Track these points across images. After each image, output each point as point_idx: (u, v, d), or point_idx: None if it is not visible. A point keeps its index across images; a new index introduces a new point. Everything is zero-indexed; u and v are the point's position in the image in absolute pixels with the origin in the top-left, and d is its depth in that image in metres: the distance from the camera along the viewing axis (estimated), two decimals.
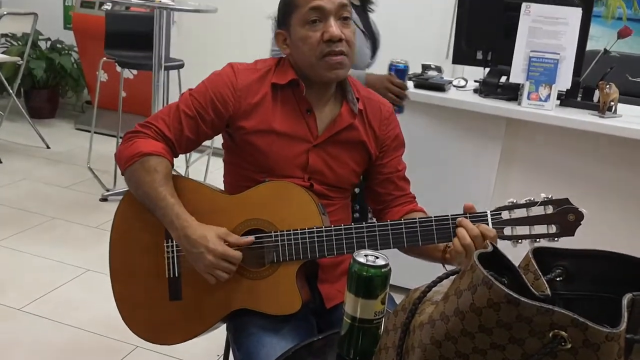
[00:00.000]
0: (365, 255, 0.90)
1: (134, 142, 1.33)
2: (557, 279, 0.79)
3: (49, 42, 4.99)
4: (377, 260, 0.90)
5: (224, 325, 1.40)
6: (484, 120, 2.33)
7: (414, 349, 0.71)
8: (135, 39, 3.93)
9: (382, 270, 0.89)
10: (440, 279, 0.73)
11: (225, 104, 1.35)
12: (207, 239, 1.24)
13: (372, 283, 0.88)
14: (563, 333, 0.57)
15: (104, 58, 3.80)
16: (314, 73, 1.35)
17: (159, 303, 1.34)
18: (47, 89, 4.98)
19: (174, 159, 1.38)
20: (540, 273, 0.75)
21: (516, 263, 0.75)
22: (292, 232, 1.27)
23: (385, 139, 1.46)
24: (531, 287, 0.71)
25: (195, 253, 1.25)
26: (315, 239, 1.26)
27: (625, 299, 0.61)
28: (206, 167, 3.88)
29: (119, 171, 3.65)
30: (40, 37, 4.94)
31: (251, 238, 1.28)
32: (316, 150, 1.38)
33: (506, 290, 0.59)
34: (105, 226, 3.12)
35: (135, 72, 4.56)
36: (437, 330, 0.66)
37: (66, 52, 4.95)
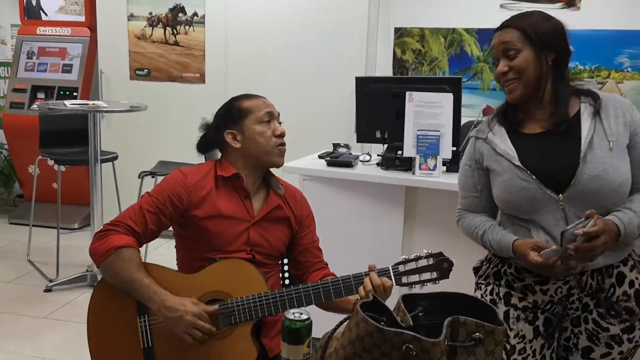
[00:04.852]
0: (293, 313, 1.26)
1: (108, 239, 1.65)
2: (420, 314, 1.19)
3: None
4: (301, 315, 1.26)
5: None
6: (386, 189, 2.78)
7: None
8: (68, 136, 4.18)
9: (306, 322, 1.24)
10: (340, 323, 1.11)
11: (180, 200, 1.72)
12: (183, 304, 1.59)
13: (299, 332, 1.24)
14: (410, 346, 0.96)
15: (40, 156, 4.04)
16: (267, 158, 1.78)
17: None
18: None
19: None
20: (406, 311, 1.15)
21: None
22: (245, 298, 1.62)
23: (301, 216, 1.88)
24: (399, 321, 1.10)
25: (175, 317, 1.58)
26: (264, 302, 1.62)
27: (446, 321, 1.00)
28: (145, 249, 4.13)
29: (61, 262, 3.90)
30: None
31: (216, 306, 1.63)
32: (254, 227, 1.77)
33: (375, 323, 0.97)
34: (54, 315, 3.31)
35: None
36: (339, 356, 1.03)
37: None
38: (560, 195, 1.58)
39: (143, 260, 1.67)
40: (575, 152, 1.58)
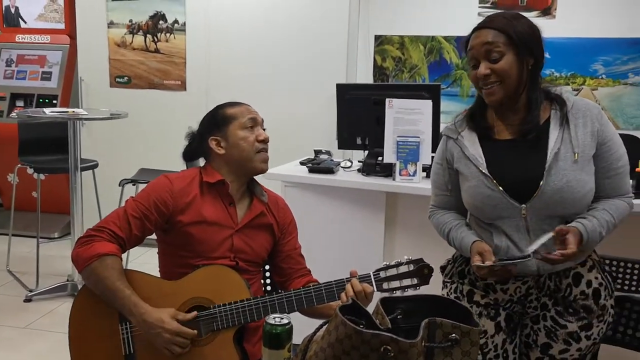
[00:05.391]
0: (274, 318, 1.27)
1: (91, 245, 1.65)
2: (398, 317, 1.21)
3: None
4: (282, 320, 1.27)
5: None
6: (367, 195, 2.80)
7: None
8: (48, 144, 4.15)
9: (286, 327, 1.26)
10: (320, 327, 1.12)
11: (166, 205, 1.73)
12: (162, 320, 1.58)
13: (280, 337, 1.25)
14: (388, 347, 0.98)
15: (19, 165, 4.01)
16: (250, 165, 1.79)
17: None
18: None
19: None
20: (385, 314, 1.17)
21: None
22: (227, 305, 1.63)
23: (284, 223, 1.89)
24: (378, 324, 1.12)
25: (153, 334, 1.59)
26: (246, 308, 1.63)
27: (423, 322, 1.03)
28: (127, 258, 4.11)
29: (41, 271, 3.86)
30: None
31: (194, 313, 1.63)
32: (238, 234, 1.78)
33: (353, 326, 0.99)
34: (34, 325, 3.28)
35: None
36: (319, 359, 1.05)
37: None
38: (524, 205, 1.60)
39: (125, 267, 1.67)
40: (540, 163, 1.59)
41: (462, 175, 1.72)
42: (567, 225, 1.57)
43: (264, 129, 1.85)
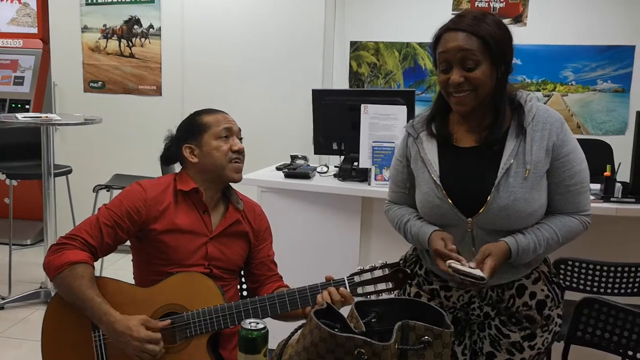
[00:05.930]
0: (250, 323, 1.28)
1: (62, 253, 1.64)
2: (372, 320, 1.22)
3: None
4: (258, 325, 1.28)
5: None
6: (343, 199, 2.83)
7: None
8: (20, 149, 4.10)
9: (262, 332, 1.26)
10: (295, 331, 1.13)
11: (138, 213, 1.72)
12: (131, 329, 1.57)
13: (255, 342, 1.25)
14: (362, 350, 0.99)
15: None
16: (223, 174, 1.78)
17: None
18: None
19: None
20: (359, 318, 1.19)
21: None
22: (201, 311, 1.63)
23: (259, 230, 1.90)
24: (353, 328, 1.14)
25: (123, 342, 1.58)
26: (220, 315, 1.63)
27: (396, 325, 1.05)
28: (101, 264, 4.07)
29: (14, 279, 3.80)
30: None
31: (168, 321, 1.63)
32: (212, 242, 1.78)
33: (328, 329, 1.01)
34: (7, 334, 3.22)
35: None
36: None
37: None
38: (470, 219, 1.57)
39: (99, 275, 1.66)
40: (492, 178, 1.55)
41: (417, 178, 1.68)
42: (500, 239, 1.54)
43: (240, 138, 1.85)
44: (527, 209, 1.54)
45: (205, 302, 1.65)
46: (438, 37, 1.58)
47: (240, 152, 1.81)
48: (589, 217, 1.63)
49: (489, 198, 1.54)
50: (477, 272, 1.48)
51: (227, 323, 1.64)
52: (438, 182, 1.60)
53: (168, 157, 1.90)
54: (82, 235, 1.68)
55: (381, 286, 1.62)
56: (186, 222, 1.76)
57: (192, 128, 1.82)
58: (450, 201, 1.58)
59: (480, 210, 1.55)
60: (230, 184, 1.87)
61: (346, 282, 1.64)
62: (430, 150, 1.65)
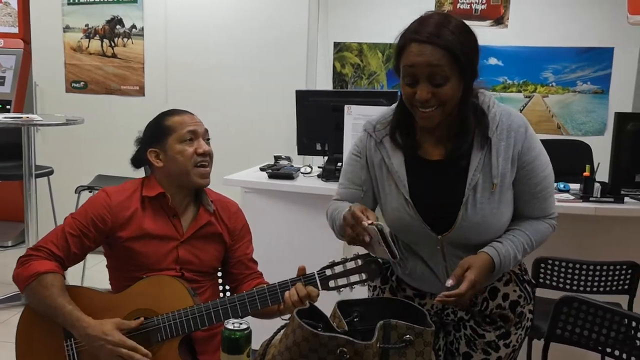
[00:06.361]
0: (232, 323, 1.28)
1: (30, 264, 1.63)
2: (355, 319, 1.24)
3: None
4: (241, 325, 1.28)
5: None
6: (327, 200, 2.80)
7: None
8: (1, 150, 4.07)
9: (245, 332, 1.27)
10: (278, 331, 1.14)
11: (104, 222, 1.71)
12: (105, 333, 1.57)
13: (238, 342, 1.26)
14: (344, 349, 1.00)
15: None
16: (187, 179, 1.74)
17: None
18: None
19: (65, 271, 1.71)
20: (342, 317, 1.20)
21: None
22: (169, 314, 1.61)
23: (234, 229, 1.86)
24: (335, 327, 1.15)
25: (96, 347, 1.57)
26: (189, 317, 1.61)
27: (378, 324, 1.06)
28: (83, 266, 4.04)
29: None
30: None
31: (141, 319, 1.61)
32: (184, 246, 1.77)
33: (310, 329, 1.02)
34: None
35: None
36: None
37: None
38: (440, 236, 1.53)
39: (81, 278, 1.65)
40: (459, 195, 1.50)
41: (383, 191, 1.60)
42: (480, 251, 1.50)
43: (207, 139, 1.79)
44: (496, 224, 1.52)
45: (174, 304, 1.63)
46: (402, 47, 1.47)
47: (206, 155, 1.76)
48: (556, 219, 1.62)
49: (458, 216, 1.50)
50: (394, 249, 1.43)
51: (197, 325, 1.61)
52: (408, 198, 1.53)
53: (138, 160, 1.85)
54: (48, 246, 1.67)
55: (354, 278, 1.57)
56: (154, 227, 1.74)
57: (157, 131, 1.78)
58: (421, 218, 1.53)
59: (452, 227, 1.52)
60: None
61: (316, 276, 1.59)
62: (397, 162, 1.56)
